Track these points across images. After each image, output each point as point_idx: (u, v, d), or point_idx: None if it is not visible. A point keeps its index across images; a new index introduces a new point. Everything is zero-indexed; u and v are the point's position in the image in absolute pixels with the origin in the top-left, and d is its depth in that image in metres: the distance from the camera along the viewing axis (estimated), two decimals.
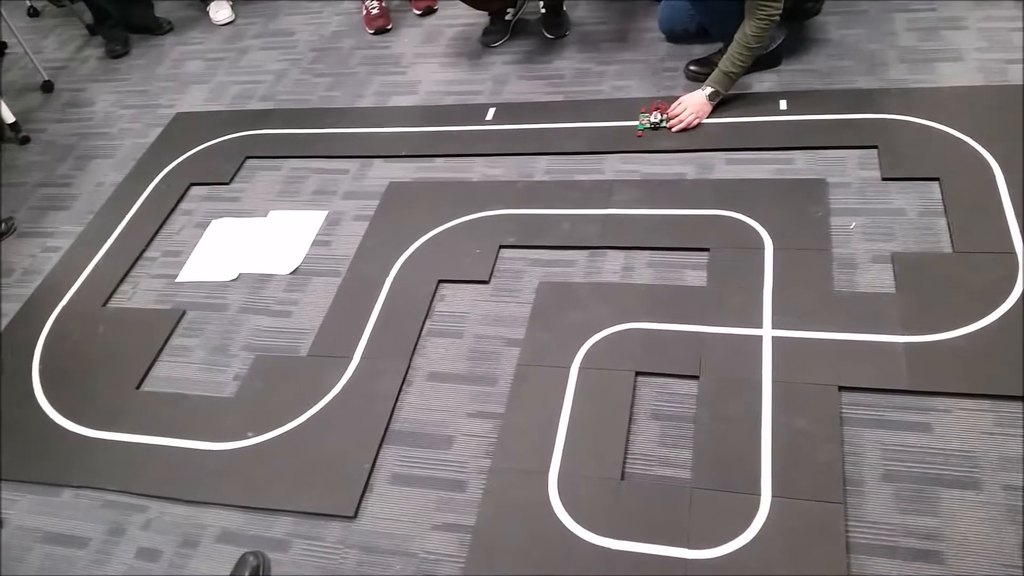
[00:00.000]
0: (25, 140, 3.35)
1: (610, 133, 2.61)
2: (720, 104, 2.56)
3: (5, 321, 2.53)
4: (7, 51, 4.04)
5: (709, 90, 2.51)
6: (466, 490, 1.80)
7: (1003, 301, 1.86)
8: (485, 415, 1.93)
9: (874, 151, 2.32)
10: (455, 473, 1.84)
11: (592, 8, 3.28)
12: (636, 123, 2.59)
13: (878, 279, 1.99)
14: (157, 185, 2.86)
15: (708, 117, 2.54)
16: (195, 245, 2.63)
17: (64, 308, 2.51)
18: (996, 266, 1.94)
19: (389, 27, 3.47)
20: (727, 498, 1.64)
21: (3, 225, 2.90)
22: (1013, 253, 1.95)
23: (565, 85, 2.91)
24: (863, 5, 2.88)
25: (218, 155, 2.98)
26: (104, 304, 2.49)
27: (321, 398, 2.04)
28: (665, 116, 2.56)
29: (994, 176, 2.15)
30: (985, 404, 1.71)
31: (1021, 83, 2.40)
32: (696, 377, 1.87)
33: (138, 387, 2.21)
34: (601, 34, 3.12)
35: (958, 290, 1.91)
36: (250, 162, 2.92)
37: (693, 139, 2.50)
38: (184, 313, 2.40)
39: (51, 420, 2.18)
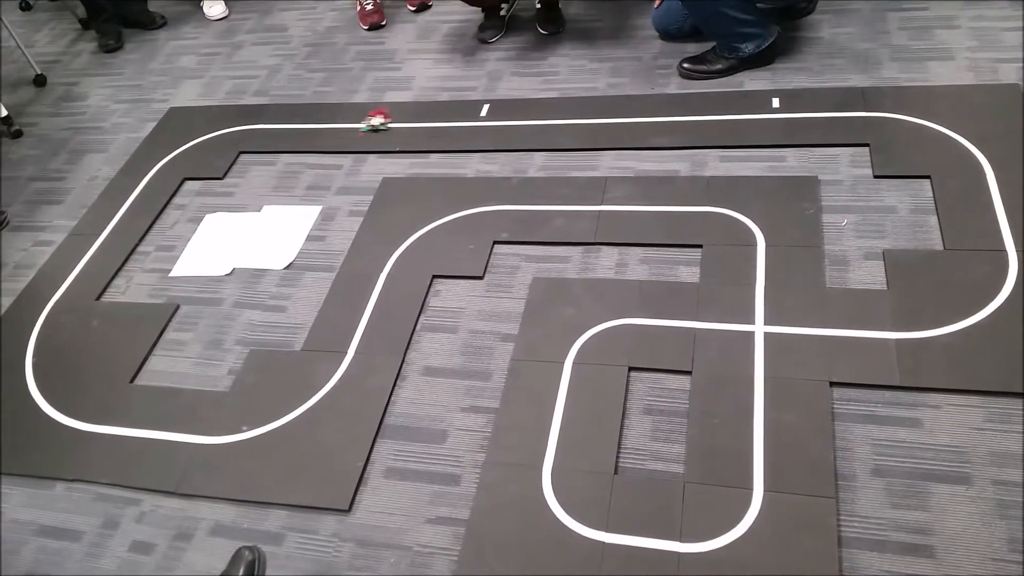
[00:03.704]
0: (18, 134, 3.34)
1: (604, 130, 2.62)
2: (714, 102, 2.58)
3: None
4: None
5: None
6: (460, 484, 1.81)
7: (993, 298, 1.87)
8: (479, 410, 1.94)
9: (866, 149, 2.33)
10: (449, 467, 1.84)
11: (586, 5, 3.29)
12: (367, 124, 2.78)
13: (869, 276, 2.00)
14: None
15: (701, 115, 2.55)
16: (189, 240, 2.62)
17: (57, 302, 2.50)
18: (986, 263, 1.95)
19: (383, 23, 3.47)
20: (719, 492, 1.66)
21: None
22: (1003, 250, 1.97)
23: (559, 82, 2.91)
24: (856, 4, 2.90)
25: (212, 150, 2.98)
26: (98, 298, 2.49)
27: (315, 393, 2.05)
28: (385, 121, 2.74)
29: (984, 174, 2.16)
30: (975, 400, 1.72)
31: (1012, 82, 2.42)
32: (689, 372, 1.88)
33: (132, 381, 2.21)
34: (595, 31, 3.13)
35: (949, 287, 1.92)
36: (244, 157, 2.92)
37: (687, 136, 2.51)
38: (178, 307, 2.40)
39: (44, 414, 2.17)
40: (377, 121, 2.68)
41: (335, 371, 2.09)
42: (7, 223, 2.91)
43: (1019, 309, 1.84)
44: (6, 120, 3.32)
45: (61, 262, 2.65)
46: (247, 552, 1.73)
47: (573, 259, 2.24)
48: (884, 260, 2.02)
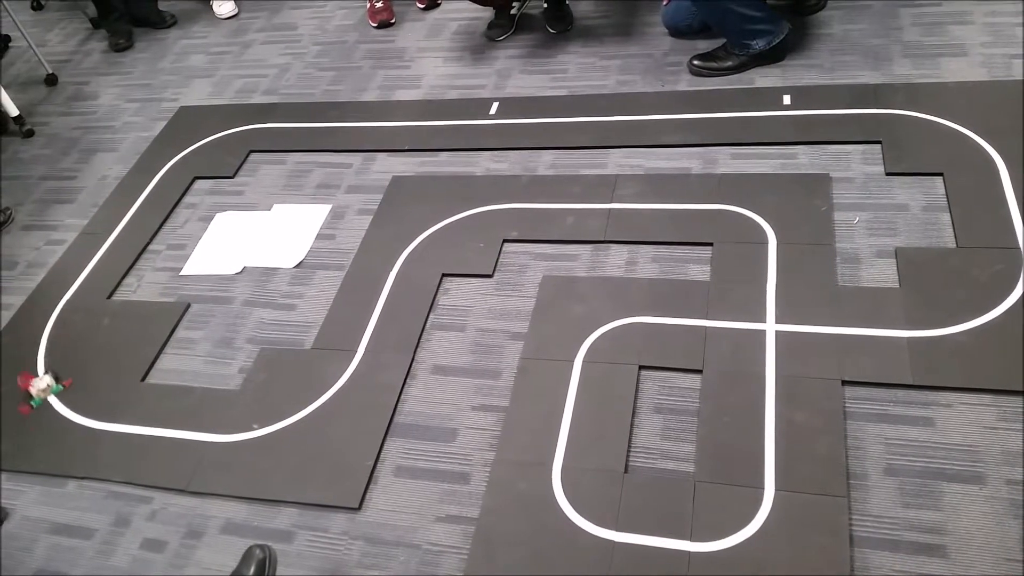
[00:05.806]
0: (29, 133, 3.35)
1: (614, 127, 2.61)
2: (724, 99, 2.57)
3: (10, 314, 2.53)
4: (11, 44, 4.04)
5: None
6: (470, 482, 1.81)
7: (1006, 296, 1.86)
8: (489, 408, 1.94)
9: (878, 146, 2.32)
10: (459, 465, 1.84)
11: (595, 3, 3.28)
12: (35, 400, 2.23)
13: (882, 274, 1.99)
14: None
15: (712, 112, 2.54)
16: (200, 238, 2.63)
17: (69, 301, 2.51)
18: (999, 261, 1.94)
19: (392, 21, 3.47)
20: (730, 491, 1.65)
21: (1, 215, 2.91)
22: (1016, 248, 1.95)
23: (569, 79, 2.91)
24: (867, 0, 2.88)
25: (222, 149, 2.98)
26: (109, 297, 2.50)
27: (325, 391, 2.05)
28: (61, 385, 2.23)
29: (998, 171, 2.15)
30: (987, 399, 1.71)
31: None
32: (699, 371, 1.88)
33: (143, 379, 2.22)
34: (604, 28, 3.12)
35: (961, 285, 1.91)
36: (254, 156, 2.92)
37: (698, 133, 2.50)
38: (189, 306, 2.40)
39: (56, 412, 2.18)
40: (43, 384, 2.22)
41: (345, 369, 2.09)
42: (11, 220, 2.92)
43: None
44: (18, 119, 3.34)
45: (72, 261, 2.66)
46: (258, 550, 1.73)
47: (583, 257, 2.23)
48: (896, 258, 2.01)
